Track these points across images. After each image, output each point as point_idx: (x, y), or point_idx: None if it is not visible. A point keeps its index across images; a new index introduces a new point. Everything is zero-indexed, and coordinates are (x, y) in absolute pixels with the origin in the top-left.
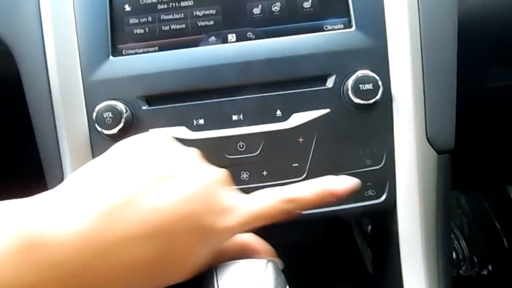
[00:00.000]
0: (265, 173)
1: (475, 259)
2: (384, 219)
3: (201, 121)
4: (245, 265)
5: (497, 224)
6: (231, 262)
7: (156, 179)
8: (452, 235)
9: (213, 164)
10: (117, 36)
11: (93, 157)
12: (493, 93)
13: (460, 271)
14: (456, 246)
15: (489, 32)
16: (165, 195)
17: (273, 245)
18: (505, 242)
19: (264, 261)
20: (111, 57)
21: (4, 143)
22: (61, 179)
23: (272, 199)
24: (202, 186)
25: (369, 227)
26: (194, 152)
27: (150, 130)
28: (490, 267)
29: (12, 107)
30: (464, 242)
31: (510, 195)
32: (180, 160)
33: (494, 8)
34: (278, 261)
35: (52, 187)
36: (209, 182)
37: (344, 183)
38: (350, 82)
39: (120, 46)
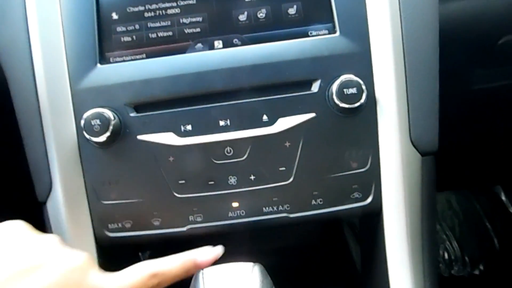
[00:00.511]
0: (252, 177)
1: (467, 259)
2: (370, 221)
3: (189, 127)
4: (231, 268)
5: (488, 224)
6: (217, 265)
7: (14, 273)
8: (444, 236)
9: (201, 169)
10: (104, 44)
11: (82, 164)
12: (478, 95)
13: (453, 271)
14: (447, 246)
15: (472, 35)
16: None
17: (265, 248)
18: (496, 242)
19: (250, 264)
20: (98, 64)
21: None
22: (49, 186)
23: (138, 275)
24: (63, 275)
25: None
26: (52, 239)
27: (138, 137)
28: (481, 267)
29: (0, 116)
30: (455, 243)
31: (500, 195)
32: (38, 251)
33: (474, 11)
34: None
35: (40, 195)
36: (70, 270)
37: (207, 254)
38: (334, 86)
39: (107, 53)
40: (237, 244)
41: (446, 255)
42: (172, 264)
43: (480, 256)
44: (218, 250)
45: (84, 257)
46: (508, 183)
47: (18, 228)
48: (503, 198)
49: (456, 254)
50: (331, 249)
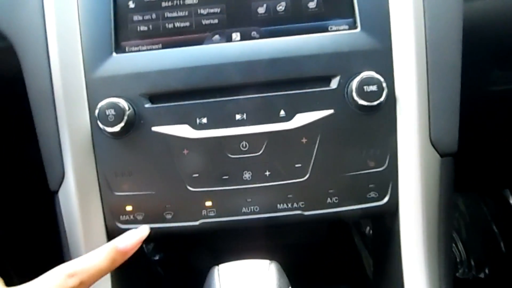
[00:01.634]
0: (267, 173)
1: (472, 262)
2: (385, 221)
3: (204, 120)
4: (247, 265)
5: (494, 227)
6: (233, 262)
7: None
8: None
9: (215, 163)
10: (120, 33)
11: (95, 154)
12: (496, 96)
13: (457, 274)
14: (453, 249)
15: (493, 36)
16: None
17: (274, 245)
18: (502, 245)
19: (267, 261)
20: (114, 54)
21: (5, 141)
22: (61, 175)
23: (50, 281)
24: None
25: (367, 228)
26: None
27: (153, 128)
28: (487, 270)
29: (14, 104)
30: (461, 245)
31: (508, 199)
32: None
33: (498, 12)
34: None
35: (52, 184)
36: None
37: (128, 238)
38: (354, 83)
39: (123, 43)
40: (243, 240)
41: None
42: (92, 259)
43: (486, 259)
44: (142, 232)
45: None
46: None
47: None
48: (511, 202)
49: (462, 257)
50: (338, 248)
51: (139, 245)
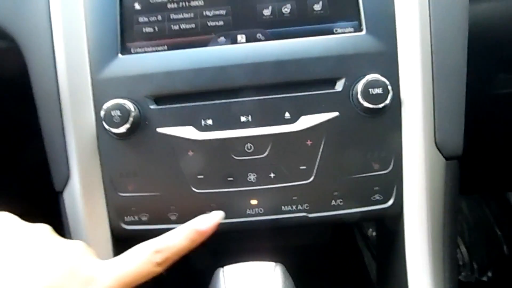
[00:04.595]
0: (272, 175)
1: (475, 266)
2: (390, 224)
3: (209, 122)
4: (253, 267)
5: (497, 230)
6: (239, 263)
7: (6, 264)
8: None
9: (220, 165)
10: (126, 34)
11: (100, 155)
12: (501, 100)
13: (460, 277)
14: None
15: (499, 39)
16: (23, 279)
17: (278, 247)
18: (505, 248)
19: (272, 263)
20: (120, 55)
21: (9, 141)
22: (66, 176)
23: (139, 257)
24: (57, 264)
25: (369, 230)
26: (44, 228)
27: (158, 130)
28: (490, 274)
29: (19, 104)
30: (464, 248)
31: (510, 202)
32: (30, 241)
33: (503, 15)
34: None
35: (57, 184)
36: (64, 259)
37: (207, 221)
38: (359, 86)
39: (129, 44)
40: (247, 241)
41: None
42: (174, 237)
43: (489, 262)
44: (218, 215)
45: (78, 245)
46: None
47: (7, 218)
48: None
49: (465, 260)
50: (340, 249)
51: (215, 228)
